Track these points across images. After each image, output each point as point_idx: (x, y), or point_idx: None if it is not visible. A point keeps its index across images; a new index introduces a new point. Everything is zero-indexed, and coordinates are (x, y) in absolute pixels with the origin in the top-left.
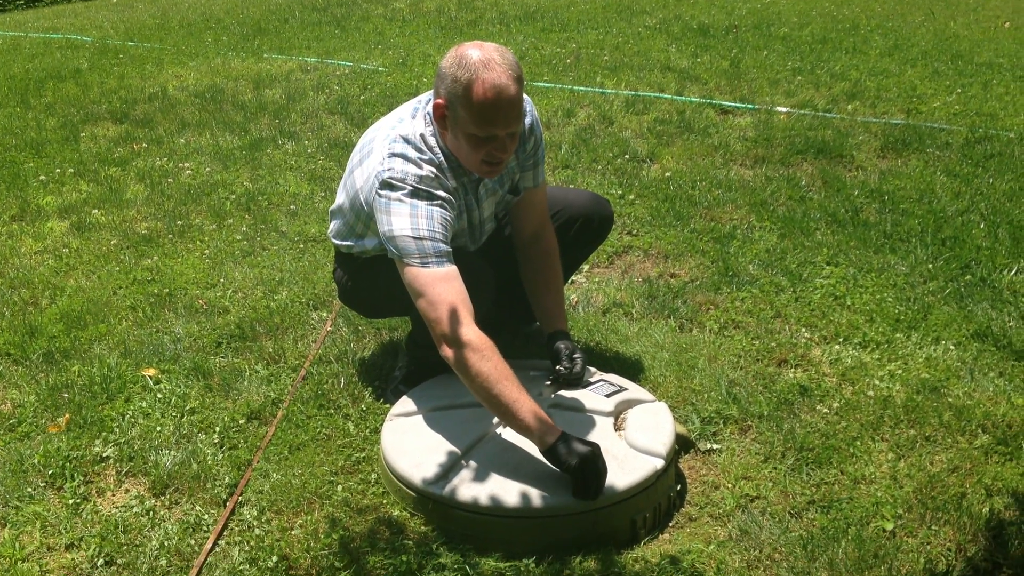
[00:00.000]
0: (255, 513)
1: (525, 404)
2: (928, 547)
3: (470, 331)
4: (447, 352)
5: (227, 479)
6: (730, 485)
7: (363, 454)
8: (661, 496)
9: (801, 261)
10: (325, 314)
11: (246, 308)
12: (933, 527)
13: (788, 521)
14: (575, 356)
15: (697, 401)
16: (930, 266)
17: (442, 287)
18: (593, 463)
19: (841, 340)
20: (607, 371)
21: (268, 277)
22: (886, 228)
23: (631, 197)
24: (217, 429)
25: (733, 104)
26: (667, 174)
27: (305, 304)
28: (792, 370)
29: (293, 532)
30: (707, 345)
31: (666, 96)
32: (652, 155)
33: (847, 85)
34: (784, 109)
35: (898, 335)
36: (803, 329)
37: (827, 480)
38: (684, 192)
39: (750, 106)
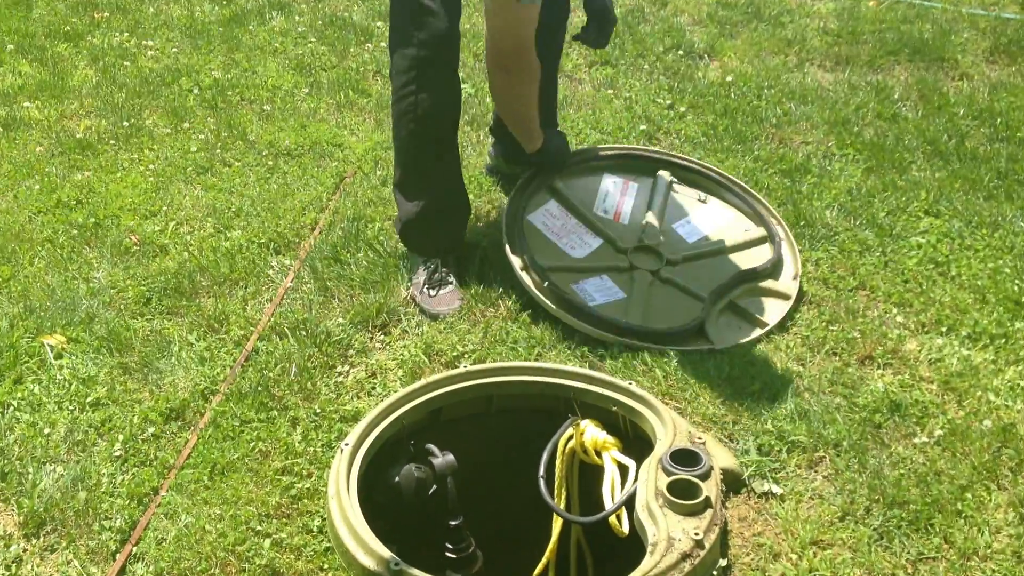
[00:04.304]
0: None
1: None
2: None
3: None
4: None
5: (121, 519)
6: (795, 556)
7: (308, 484)
8: None
9: (893, 207)
10: (288, 261)
11: (189, 249)
12: None
13: None
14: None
15: (751, 416)
16: None
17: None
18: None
19: (944, 330)
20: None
21: (224, 205)
22: (999, 165)
23: (682, 109)
24: (121, 437)
25: None
26: (728, 78)
27: (264, 246)
28: (880, 371)
29: None
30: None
31: None
32: (711, 50)
33: None
34: None
35: (1018, 324)
36: (894, 309)
37: (926, 553)
38: (748, 103)
39: None
